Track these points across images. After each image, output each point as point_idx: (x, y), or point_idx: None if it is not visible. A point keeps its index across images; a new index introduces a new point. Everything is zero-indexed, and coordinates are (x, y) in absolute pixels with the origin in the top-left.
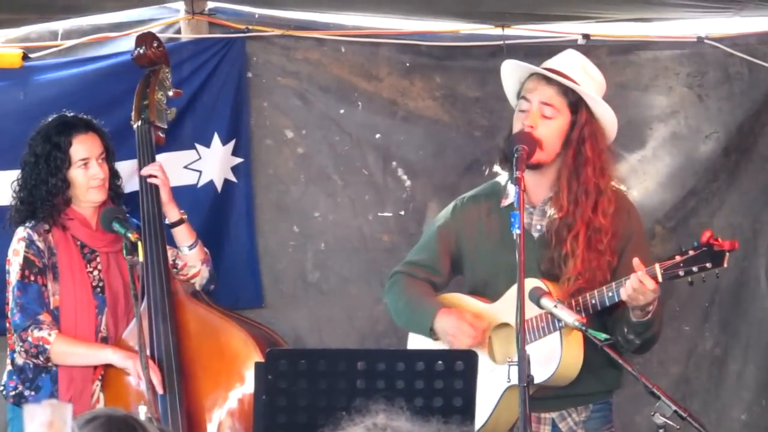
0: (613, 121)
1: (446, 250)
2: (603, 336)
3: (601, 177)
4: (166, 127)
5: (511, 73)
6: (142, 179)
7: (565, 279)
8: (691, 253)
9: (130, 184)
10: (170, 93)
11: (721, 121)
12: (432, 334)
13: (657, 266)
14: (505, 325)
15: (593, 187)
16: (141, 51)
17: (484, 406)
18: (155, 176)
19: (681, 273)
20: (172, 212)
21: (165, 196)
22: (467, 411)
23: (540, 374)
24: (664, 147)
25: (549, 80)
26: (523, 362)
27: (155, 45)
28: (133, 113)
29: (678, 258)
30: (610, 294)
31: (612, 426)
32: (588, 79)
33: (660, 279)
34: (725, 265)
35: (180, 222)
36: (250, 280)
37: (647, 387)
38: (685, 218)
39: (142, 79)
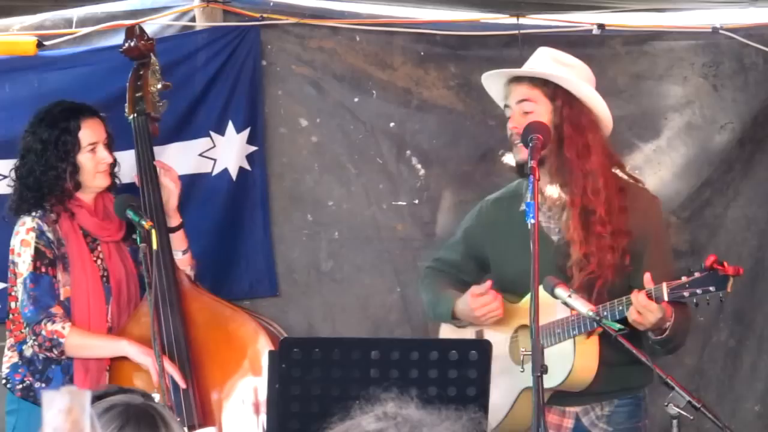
0: (595, 97)
1: (471, 252)
2: (618, 326)
3: (585, 158)
4: (160, 118)
5: (492, 84)
6: (144, 170)
7: (573, 263)
8: (697, 275)
9: (123, 176)
10: (159, 86)
11: (736, 111)
12: (456, 321)
13: (664, 285)
14: (527, 326)
15: (578, 168)
16: (132, 44)
17: (502, 404)
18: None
19: (686, 294)
20: (175, 217)
21: (175, 202)
22: (481, 400)
23: (550, 380)
24: (678, 137)
25: (520, 79)
26: (537, 352)
27: (145, 38)
28: (127, 106)
29: (684, 279)
30: (621, 308)
31: (640, 421)
32: (561, 68)
33: (666, 299)
34: (729, 290)
35: (180, 227)
36: (264, 269)
37: (661, 378)
38: (700, 209)
39: (132, 72)
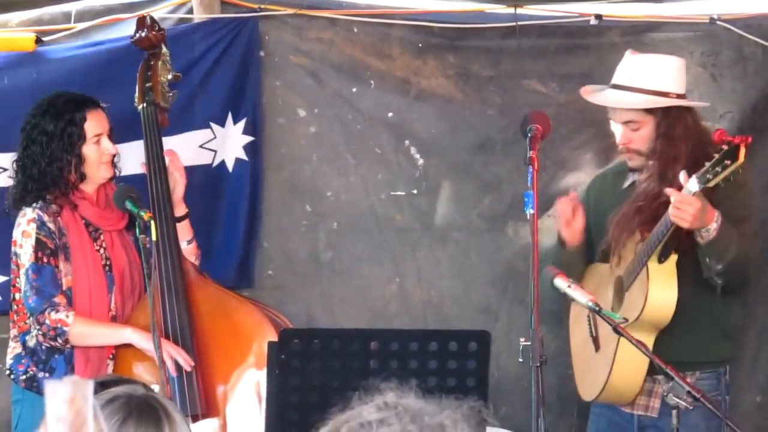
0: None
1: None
2: (618, 318)
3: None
4: (169, 108)
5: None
6: (153, 160)
7: None
8: (716, 156)
9: (132, 166)
10: (170, 76)
11: (734, 100)
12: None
13: (694, 177)
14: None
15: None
16: (142, 34)
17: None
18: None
19: (710, 176)
20: (180, 207)
21: (181, 191)
22: (480, 391)
23: (587, 393)
24: None
25: None
26: (536, 342)
27: (156, 28)
28: (136, 96)
29: (707, 164)
30: (665, 219)
31: (719, 394)
32: (657, 79)
33: (698, 187)
34: (741, 158)
35: (185, 217)
36: (240, 260)
37: (661, 368)
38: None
39: (143, 61)
